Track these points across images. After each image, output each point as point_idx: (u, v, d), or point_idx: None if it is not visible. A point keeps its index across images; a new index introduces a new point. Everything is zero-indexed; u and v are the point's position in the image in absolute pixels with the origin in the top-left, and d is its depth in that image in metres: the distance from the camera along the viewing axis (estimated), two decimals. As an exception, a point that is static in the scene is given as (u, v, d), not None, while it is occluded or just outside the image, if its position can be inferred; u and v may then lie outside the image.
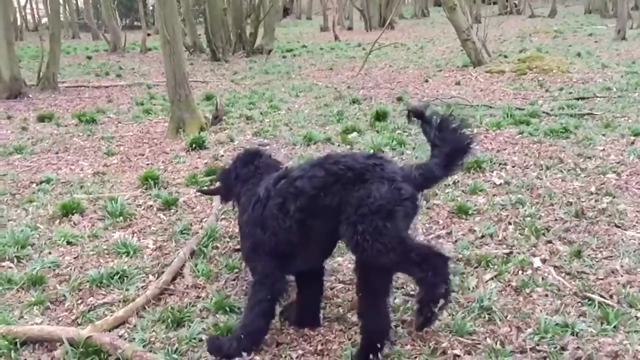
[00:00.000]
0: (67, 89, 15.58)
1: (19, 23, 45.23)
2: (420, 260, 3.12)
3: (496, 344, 3.46)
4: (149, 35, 31.17)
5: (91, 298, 4.21)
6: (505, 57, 16.86)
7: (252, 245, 3.47)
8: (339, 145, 8.10)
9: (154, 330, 3.73)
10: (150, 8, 47.24)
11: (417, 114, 3.46)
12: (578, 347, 3.39)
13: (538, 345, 3.44)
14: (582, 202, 5.53)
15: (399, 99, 11.49)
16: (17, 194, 6.68)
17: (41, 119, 11.24)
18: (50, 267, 4.69)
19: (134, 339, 3.64)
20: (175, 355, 3.41)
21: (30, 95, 14.25)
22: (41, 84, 15.29)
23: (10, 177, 7.38)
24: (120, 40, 28.53)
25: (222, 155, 7.95)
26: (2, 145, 9.15)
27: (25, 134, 10.13)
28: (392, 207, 3.06)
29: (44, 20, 46.63)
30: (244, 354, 3.34)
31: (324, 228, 3.24)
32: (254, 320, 3.40)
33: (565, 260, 4.46)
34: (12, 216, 5.94)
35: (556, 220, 5.22)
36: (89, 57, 25.07)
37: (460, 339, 3.52)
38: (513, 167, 6.71)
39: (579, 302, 3.91)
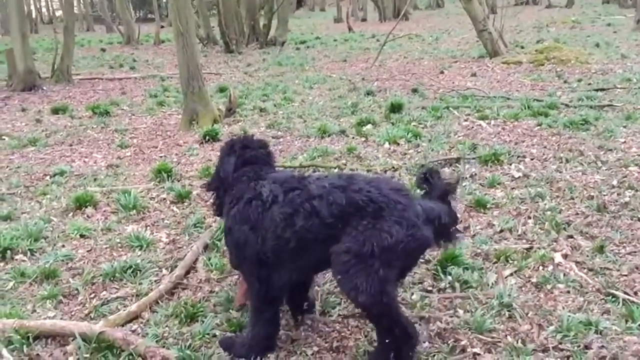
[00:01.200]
0: (81, 82, 15.60)
1: (33, 16, 45.54)
2: (389, 329, 2.96)
3: (517, 342, 3.36)
4: (162, 27, 31.22)
5: (104, 292, 4.16)
6: (522, 47, 16.62)
7: (236, 243, 3.23)
8: (353, 138, 8.00)
9: (167, 326, 3.68)
10: (164, 0, 47.24)
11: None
12: (602, 346, 3.28)
13: (561, 343, 3.34)
14: (604, 195, 5.40)
15: (414, 91, 11.34)
16: (31, 187, 6.66)
17: (55, 111, 11.25)
18: (63, 260, 4.66)
19: (147, 334, 3.59)
20: (188, 352, 3.35)
21: (45, 88, 14.28)
22: (55, 77, 15.32)
23: (24, 169, 7.37)
24: (134, 32, 28.57)
25: (236, 148, 7.86)
26: (16, 137, 9.16)
27: (39, 126, 10.14)
28: (395, 255, 2.84)
29: (59, 13, 46.91)
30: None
31: (325, 252, 3.00)
32: (261, 329, 3.29)
33: (587, 256, 4.35)
34: (26, 209, 5.92)
35: (577, 214, 5.09)
36: (103, 50, 25.12)
37: (480, 336, 3.43)
38: (532, 159, 6.57)
39: (602, 299, 3.80)
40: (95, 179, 6.84)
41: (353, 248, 2.83)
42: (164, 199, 6.03)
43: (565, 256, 4.36)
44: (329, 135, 8.14)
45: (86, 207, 5.79)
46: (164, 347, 3.42)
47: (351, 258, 2.83)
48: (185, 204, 5.88)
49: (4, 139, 9.10)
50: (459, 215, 3.21)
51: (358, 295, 2.84)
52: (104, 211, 5.78)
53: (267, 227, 3.07)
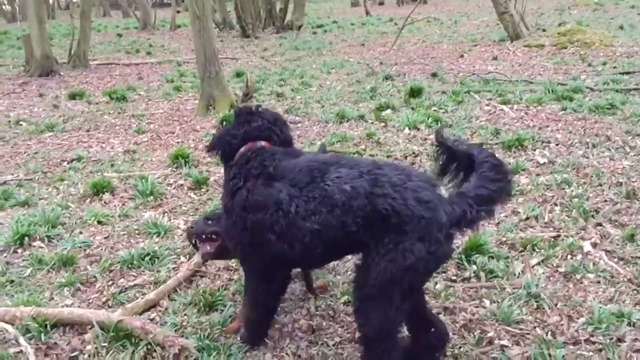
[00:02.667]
0: (97, 67, 15.58)
1: (50, 1, 45.64)
2: (381, 355, 2.74)
3: (547, 334, 3.25)
4: (178, 12, 31.11)
5: (122, 279, 4.11)
6: (544, 30, 16.25)
7: (240, 231, 2.93)
8: (372, 123, 7.86)
9: (185, 314, 3.61)
10: (180, -15, 47.08)
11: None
12: (636, 339, 3.17)
13: (592, 336, 3.22)
14: (633, 182, 5.23)
15: (434, 75, 11.14)
16: (49, 172, 6.63)
17: (72, 96, 11.24)
18: (81, 247, 4.61)
19: (166, 322, 3.52)
20: (207, 341, 3.28)
21: (62, 73, 14.28)
22: (72, 62, 15.33)
23: (42, 155, 7.35)
24: (150, 17, 28.51)
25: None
26: (34, 123, 9.15)
27: (57, 111, 10.12)
28: (414, 275, 2.62)
29: (76, -2, 46.92)
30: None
31: (341, 248, 2.86)
32: (256, 319, 3.22)
33: (617, 245, 4.20)
34: (44, 195, 5.89)
35: (606, 201, 4.93)
36: (120, 35, 25.11)
37: (508, 328, 3.32)
38: (557, 145, 6.40)
39: (635, 289, 3.67)
40: (112, 165, 6.79)
41: (372, 279, 2.59)
42: (182, 185, 5.96)
43: (594, 245, 4.22)
44: (347, 121, 8.02)
45: (103, 193, 5.74)
46: (182, 336, 3.35)
47: (370, 290, 2.62)
48: (203, 190, 5.80)
49: (22, 125, 9.10)
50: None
51: (367, 327, 2.70)
52: (121, 197, 5.73)
53: (281, 223, 2.77)
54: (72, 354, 3.29)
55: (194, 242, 3.62)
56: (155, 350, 3.24)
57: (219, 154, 3.25)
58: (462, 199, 2.63)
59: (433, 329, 2.91)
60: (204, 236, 3.53)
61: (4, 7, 43.67)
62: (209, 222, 3.54)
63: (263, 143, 3.12)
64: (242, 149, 3.11)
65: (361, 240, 2.66)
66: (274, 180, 2.85)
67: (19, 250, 4.61)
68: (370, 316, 2.66)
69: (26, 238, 4.69)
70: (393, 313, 2.63)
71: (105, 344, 3.31)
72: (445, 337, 2.99)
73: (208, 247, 3.52)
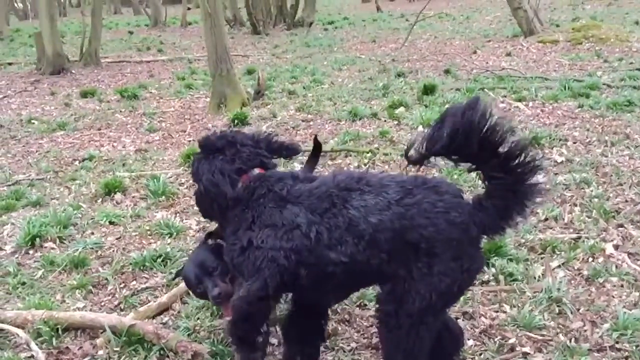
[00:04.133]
0: (109, 65, 15.58)
1: (62, -1, 45.75)
2: None
3: (570, 340, 3.14)
4: (189, 9, 31.08)
5: (134, 282, 4.05)
6: (557, 26, 16.04)
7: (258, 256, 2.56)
8: (385, 121, 7.76)
9: (198, 318, 3.54)
10: (190, -18, 47.08)
11: None
12: (663, 346, 3.05)
13: (617, 342, 3.12)
14: (655, 181, 5.10)
15: (447, 72, 11.01)
16: (60, 172, 6.61)
17: (84, 94, 11.23)
18: (92, 248, 4.56)
19: (179, 326, 3.46)
20: (221, 346, 3.22)
21: (73, 71, 14.29)
22: (84, 60, 15.34)
23: (54, 154, 7.32)
24: (161, 14, 28.52)
25: (265, 132, 7.69)
26: (45, 121, 9.14)
27: (69, 110, 10.11)
28: (449, 296, 2.51)
29: (87, -4, 47.06)
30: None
31: (363, 282, 2.71)
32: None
33: (640, 247, 4.09)
34: (55, 194, 5.86)
35: (627, 201, 4.81)
36: (131, 32, 25.13)
37: (529, 334, 3.22)
38: (574, 143, 6.27)
39: (660, 294, 3.55)
40: (124, 164, 6.75)
41: (406, 308, 2.43)
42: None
43: (616, 247, 4.10)
44: (360, 119, 7.92)
45: (115, 193, 5.70)
46: (195, 340, 3.29)
47: (403, 320, 2.45)
48: (215, 189, 5.73)
49: (34, 123, 9.09)
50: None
51: (398, 355, 2.54)
52: (133, 197, 5.68)
53: (299, 249, 2.51)
54: (84, 359, 3.24)
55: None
56: (168, 356, 3.19)
57: (216, 204, 2.82)
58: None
59: (447, 331, 2.80)
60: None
61: (15, 4, 43.88)
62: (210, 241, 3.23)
63: (257, 170, 2.81)
64: (239, 186, 2.77)
65: (387, 271, 2.47)
66: (288, 202, 2.59)
67: (31, 252, 4.57)
68: (401, 345, 2.50)
69: (38, 239, 4.65)
70: (427, 338, 2.52)
71: (118, 349, 3.26)
72: (460, 339, 2.88)
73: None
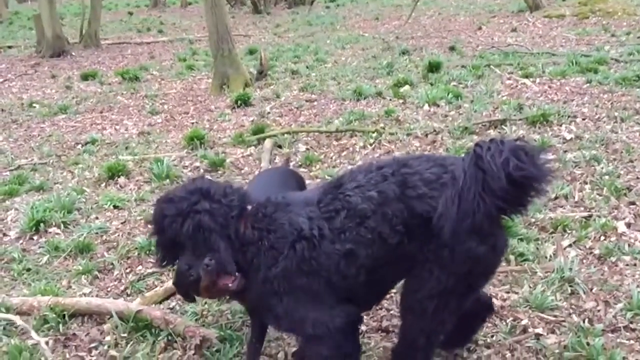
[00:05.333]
0: (109, 46, 15.43)
1: (61, -19, 45.30)
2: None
3: (583, 321, 3.09)
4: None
5: (140, 267, 4.01)
6: (564, 0, 15.78)
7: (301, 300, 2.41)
8: (390, 100, 7.66)
9: (206, 303, 3.50)
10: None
11: None
12: (679, 326, 3.00)
13: (632, 322, 3.07)
14: (666, 157, 5.01)
15: (452, 49, 10.86)
16: (63, 156, 6.55)
17: (85, 77, 11.14)
18: (97, 233, 4.52)
19: (186, 311, 3.43)
20: (229, 331, 3.18)
21: (73, 53, 14.16)
22: (84, 42, 15.22)
23: (56, 138, 7.26)
24: (160, -5, 28.24)
25: (269, 112, 7.62)
26: (47, 105, 9.07)
27: (70, 92, 10.03)
28: (471, 284, 2.41)
29: (85, -23, 46.56)
30: None
31: (397, 275, 2.53)
32: None
33: (653, 225, 4.02)
34: (58, 179, 5.81)
35: (638, 178, 4.72)
36: (130, 13, 24.90)
37: (542, 315, 3.17)
38: (583, 119, 6.16)
39: (674, 272, 3.49)
40: (126, 147, 6.69)
41: (428, 290, 2.34)
42: (197, 167, 5.84)
43: (628, 225, 4.03)
44: (364, 98, 7.82)
45: (119, 176, 5.64)
46: (203, 326, 3.25)
47: (425, 303, 2.36)
48: (220, 172, 5.68)
49: (35, 107, 9.02)
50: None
51: (418, 336, 2.47)
52: (137, 181, 5.63)
53: (329, 269, 2.37)
54: (91, 345, 3.21)
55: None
56: (176, 341, 3.16)
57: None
58: None
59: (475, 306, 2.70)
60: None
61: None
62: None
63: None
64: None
65: (409, 255, 2.34)
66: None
67: (35, 237, 4.54)
68: (424, 329, 2.43)
69: (42, 224, 4.61)
70: (450, 321, 2.44)
71: (125, 335, 3.23)
72: (489, 303, 2.82)
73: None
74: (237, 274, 2.44)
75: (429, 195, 2.26)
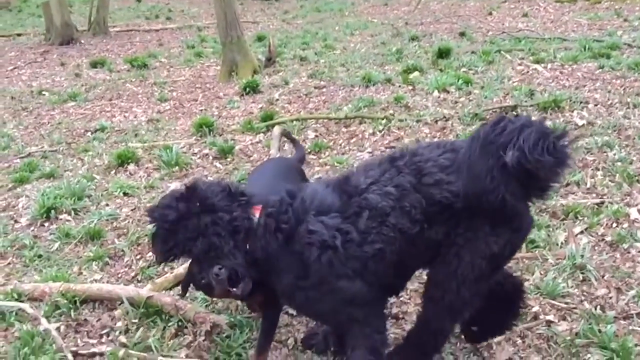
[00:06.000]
0: (118, 34, 15.41)
1: (69, -31, 45.24)
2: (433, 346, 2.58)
3: (595, 308, 3.08)
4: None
5: (150, 253, 4.00)
6: (575, -15, 15.60)
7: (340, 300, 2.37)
8: (400, 86, 7.60)
9: (216, 290, 3.51)
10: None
11: None
12: (692, 313, 2.98)
13: (644, 310, 3.04)
14: (680, 144, 4.95)
15: (462, 34, 10.76)
16: (73, 143, 6.56)
17: (94, 64, 11.13)
18: (107, 220, 4.53)
19: (196, 297, 3.43)
20: (239, 317, 3.19)
21: (82, 41, 14.14)
22: (92, 29, 15.18)
23: (66, 125, 7.28)
24: (168, -18, 28.10)
25: (277, 99, 7.59)
26: (56, 92, 9.08)
27: (79, 80, 10.03)
28: (494, 266, 2.37)
29: (93, -36, 46.42)
30: None
31: (423, 260, 2.48)
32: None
33: (666, 211, 3.98)
34: (68, 166, 5.82)
35: (651, 165, 4.68)
36: (139, 0, 24.76)
37: (553, 302, 3.16)
38: (596, 105, 6.10)
39: (687, 259, 3.46)
40: (136, 135, 6.69)
41: (453, 275, 2.31)
42: (207, 154, 5.83)
43: (641, 212, 4.00)
44: (373, 84, 7.76)
45: (128, 164, 5.65)
46: (213, 312, 3.26)
47: (449, 286, 2.34)
48: (229, 159, 5.67)
49: (45, 94, 9.03)
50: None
51: (440, 316, 2.46)
52: (146, 168, 5.63)
53: (357, 270, 2.33)
54: (103, 331, 3.23)
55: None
56: (186, 327, 3.17)
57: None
58: None
59: (509, 280, 2.70)
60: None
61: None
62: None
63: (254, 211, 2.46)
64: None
65: (433, 241, 2.30)
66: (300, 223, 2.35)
67: (46, 224, 4.55)
68: (450, 311, 2.43)
69: (52, 211, 4.63)
70: (475, 302, 2.42)
71: (136, 321, 3.25)
72: (521, 287, 2.77)
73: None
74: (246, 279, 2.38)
75: (447, 180, 2.23)
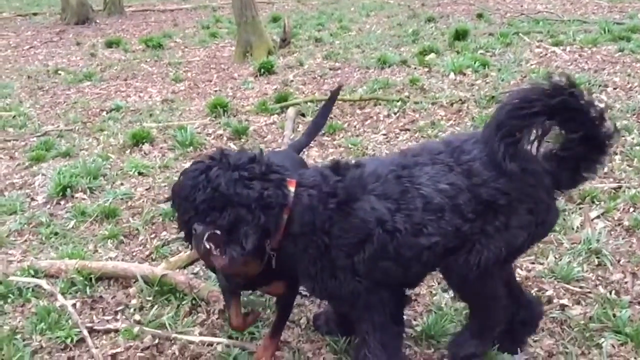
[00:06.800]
0: (133, 14, 15.40)
1: (84, -52, 45.14)
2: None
3: (610, 293, 3.06)
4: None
5: (164, 232, 4.05)
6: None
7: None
8: (415, 68, 7.53)
9: (229, 269, 3.53)
10: None
11: None
12: None
13: (660, 295, 3.01)
14: (700, 128, 4.87)
15: (480, 16, 10.61)
16: (88, 122, 6.60)
17: (109, 44, 11.14)
18: (122, 199, 4.56)
19: (209, 277, 3.45)
20: (252, 296, 3.21)
21: (98, 21, 14.16)
22: (108, 9, 15.18)
23: (81, 104, 7.31)
24: (183, -38, 28.00)
25: (292, 81, 7.56)
26: (72, 72, 9.11)
27: (94, 60, 10.05)
28: (515, 255, 2.45)
29: (109, -56, 46.26)
30: None
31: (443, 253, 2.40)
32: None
33: (684, 197, 3.92)
34: (84, 145, 5.86)
35: (670, 149, 4.61)
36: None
37: (567, 286, 3.14)
38: (615, 89, 6.01)
39: None
40: (150, 115, 6.71)
41: (477, 264, 2.28)
42: (221, 135, 5.84)
43: (658, 197, 3.95)
44: (389, 66, 7.70)
45: (143, 143, 5.67)
46: (227, 291, 3.28)
47: (468, 274, 2.31)
48: (243, 140, 5.67)
49: (61, 74, 9.07)
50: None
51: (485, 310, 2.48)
52: (161, 148, 5.65)
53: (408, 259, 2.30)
54: (118, 308, 3.27)
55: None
56: (200, 305, 3.20)
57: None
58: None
59: (524, 304, 2.65)
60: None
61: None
62: None
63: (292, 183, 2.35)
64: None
65: (465, 236, 2.28)
66: (357, 200, 2.27)
67: (62, 202, 4.60)
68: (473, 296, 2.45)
69: (68, 189, 4.66)
70: (494, 286, 2.42)
71: (150, 298, 3.28)
72: (538, 312, 2.71)
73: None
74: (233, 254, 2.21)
75: (493, 178, 2.22)
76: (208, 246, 2.20)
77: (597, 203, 3.95)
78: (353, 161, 2.49)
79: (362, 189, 2.27)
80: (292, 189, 2.30)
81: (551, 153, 2.28)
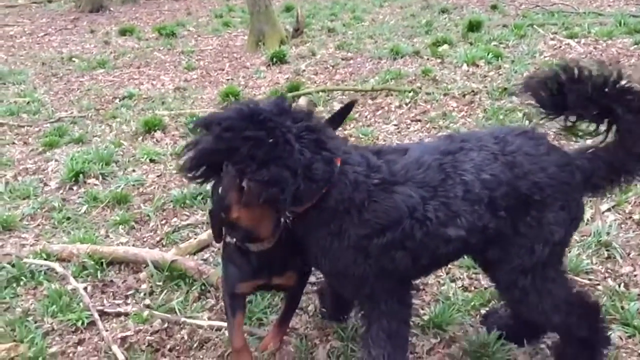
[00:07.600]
0: (146, 2, 15.46)
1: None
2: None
3: (619, 285, 3.04)
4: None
5: (175, 219, 4.08)
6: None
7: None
8: (428, 59, 7.50)
9: (239, 255, 3.55)
10: None
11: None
12: None
13: (669, 289, 3.00)
14: None
15: (494, 7, 10.53)
16: (101, 109, 6.65)
17: (122, 32, 11.20)
18: (134, 185, 4.61)
19: (219, 263, 3.47)
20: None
21: (112, 9, 14.24)
22: (122, -3, 15.26)
23: (95, 92, 7.37)
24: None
25: (304, 70, 7.56)
26: (86, 59, 9.17)
27: (108, 47, 10.11)
28: (563, 246, 2.36)
29: None
30: None
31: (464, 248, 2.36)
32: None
33: (697, 191, 3.89)
34: (97, 132, 5.91)
35: (684, 144, 4.55)
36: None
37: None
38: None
39: None
40: (163, 102, 6.75)
41: (515, 263, 2.24)
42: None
43: (670, 191, 3.91)
44: (401, 57, 7.67)
45: (155, 131, 5.71)
46: (236, 277, 3.30)
47: (517, 281, 2.27)
48: (254, 128, 5.68)
49: (75, 61, 9.13)
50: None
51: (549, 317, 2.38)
52: (173, 135, 5.69)
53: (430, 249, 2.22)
54: (128, 292, 3.31)
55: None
56: (209, 291, 3.23)
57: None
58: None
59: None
60: None
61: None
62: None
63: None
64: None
65: (492, 231, 2.21)
66: (397, 184, 2.19)
67: (74, 188, 4.65)
68: (536, 305, 2.34)
69: (81, 175, 4.72)
70: (556, 289, 2.34)
71: (160, 284, 3.32)
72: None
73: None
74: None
75: (532, 171, 2.17)
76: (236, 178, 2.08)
77: (608, 196, 3.90)
78: (398, 147, 2.46)
79: (404, 174, 2.20)
80: (337, 165, 2.21)
81: (581, 150, 2.28)
